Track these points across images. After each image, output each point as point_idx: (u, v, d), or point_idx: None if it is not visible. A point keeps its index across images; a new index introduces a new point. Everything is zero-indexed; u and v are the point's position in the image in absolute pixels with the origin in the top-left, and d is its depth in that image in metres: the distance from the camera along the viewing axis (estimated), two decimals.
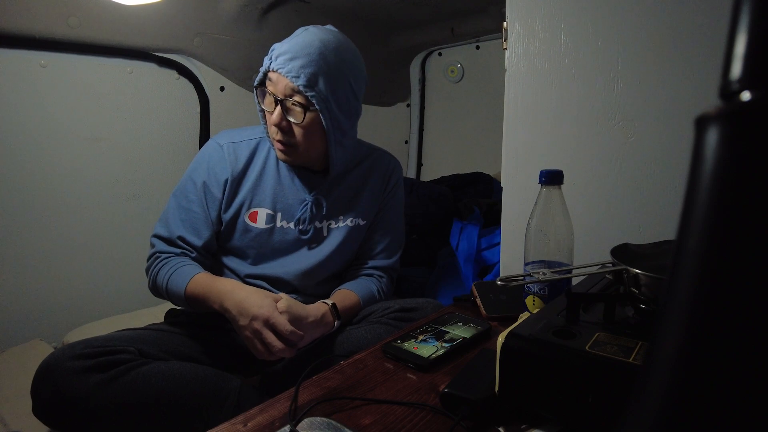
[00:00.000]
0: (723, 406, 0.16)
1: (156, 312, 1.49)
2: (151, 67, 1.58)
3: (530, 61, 0.98)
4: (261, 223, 1.06)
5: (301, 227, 1.08)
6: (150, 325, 1.06)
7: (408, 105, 2.49)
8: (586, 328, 0.57)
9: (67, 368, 0.81)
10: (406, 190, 1.68)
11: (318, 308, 0.97)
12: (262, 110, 1.04)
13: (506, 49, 1.00)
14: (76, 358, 0.82)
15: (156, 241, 1.05)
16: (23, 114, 1.35)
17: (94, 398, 0.79)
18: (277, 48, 0.97)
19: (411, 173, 2.53)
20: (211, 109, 1.74)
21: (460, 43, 2.25)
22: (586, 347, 0.52)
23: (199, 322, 1.08)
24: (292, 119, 0.98)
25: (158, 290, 1.02)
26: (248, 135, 1.11)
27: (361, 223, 1.15)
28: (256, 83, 1.01)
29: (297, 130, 0.99)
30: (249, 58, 1.78)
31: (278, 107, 0.97)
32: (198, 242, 1.04)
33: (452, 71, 2.34)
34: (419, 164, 2.54)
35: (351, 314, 1.06)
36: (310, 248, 1.10)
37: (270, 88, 0.97)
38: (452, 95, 2.39)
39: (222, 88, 1.76)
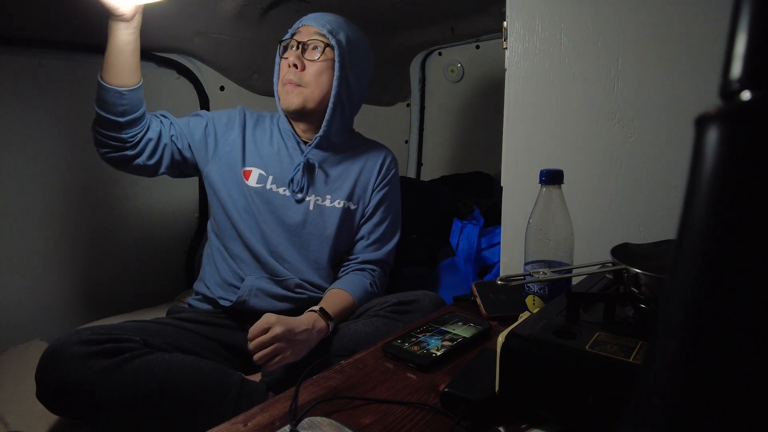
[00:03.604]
0: (723, 405, 0.16)
1: (157, 312, 1.48)
2: (150, 67, 1.58)
3: (530, 61, 0.98)
4: (253, 181, 1.12)
5: (293, 190, 1.12)
6: (155, 318, 1.07)
7: (408, 105, 2.48)
8: (586, 328, 0.57)
9: (72, 353, 0.82)
10: (407, 190, 1.68)
11: (308, 317, 0.97)
12: (278, 71, 1.16)
13: (506, 48, 1.00)
14: (82, 343, 0.83)
15: None
16: (23, 114, 1.34)
17: (98, 384, 0.80)
18: (308, 14, 1.13)
19: (411, 173, 2.52)
20: (211, 109, 1.74)
21: (460, 42, 2.25)
22: (586, 347, 0.52)
23: (202, 319, 1.08)
24: (308, 58, 1.09)
25: None
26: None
27: (352, 207, 1.16)
28: (283, 39, 1.16)
29: (310, 68, 1.09)
30: (249, 58, 1.77)
31: (298, 49, 1.09)
32: (170, 121, 1.14)
33: (452, 71, 2.33)
34: (419, 164, 2.54)
35: (347, 314, 1.06)
36: (300, 222, 1.12)
37: (296, 37, 1.11)
38: (452, 95, 2.38)
39: (222, 88, 1.76)
